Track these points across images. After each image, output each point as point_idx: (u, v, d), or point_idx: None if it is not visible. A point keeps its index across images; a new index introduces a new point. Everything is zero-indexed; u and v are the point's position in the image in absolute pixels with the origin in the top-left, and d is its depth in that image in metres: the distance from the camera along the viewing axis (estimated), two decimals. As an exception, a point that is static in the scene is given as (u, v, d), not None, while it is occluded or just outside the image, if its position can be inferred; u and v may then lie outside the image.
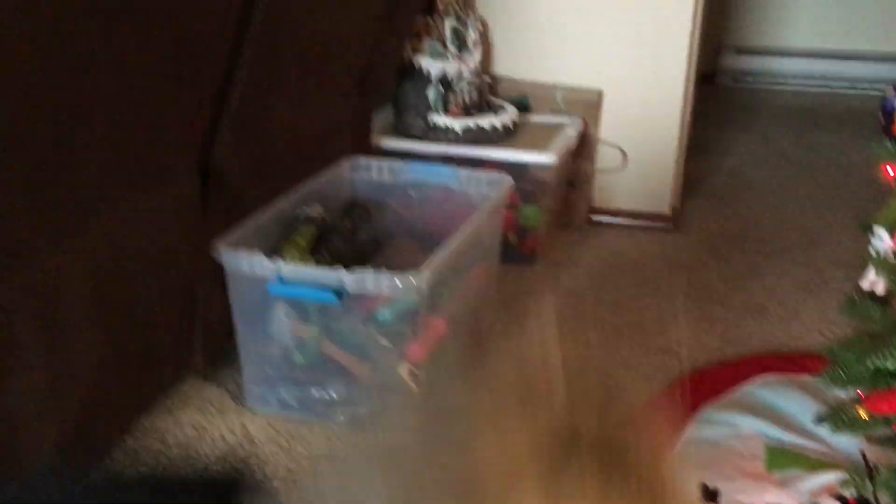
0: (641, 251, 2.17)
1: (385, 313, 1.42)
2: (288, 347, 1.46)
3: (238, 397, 1.50)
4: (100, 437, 1.19)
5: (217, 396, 1.51)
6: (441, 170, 1.78)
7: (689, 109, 2.24)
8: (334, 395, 1.45)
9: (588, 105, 2.22)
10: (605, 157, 2.27)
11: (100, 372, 1.12)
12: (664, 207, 2.30)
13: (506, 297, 1.91)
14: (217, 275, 1.38)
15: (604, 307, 1.89)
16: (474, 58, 2.10)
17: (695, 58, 2.20)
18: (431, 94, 2.03)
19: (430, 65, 2.03)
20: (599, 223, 2.31)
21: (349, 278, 1.33)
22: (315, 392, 1.46)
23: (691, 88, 2.23)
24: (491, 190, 1.71)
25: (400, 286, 1.32)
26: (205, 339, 1.40)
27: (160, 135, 1.14)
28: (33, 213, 0.94)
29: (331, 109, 1.68)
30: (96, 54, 0.96)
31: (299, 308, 1.42)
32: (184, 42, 1.10)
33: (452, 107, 2.05)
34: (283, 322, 1.44)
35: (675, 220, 2.30)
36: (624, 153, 2.26)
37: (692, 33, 2.16)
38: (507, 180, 1.72)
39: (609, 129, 2.24)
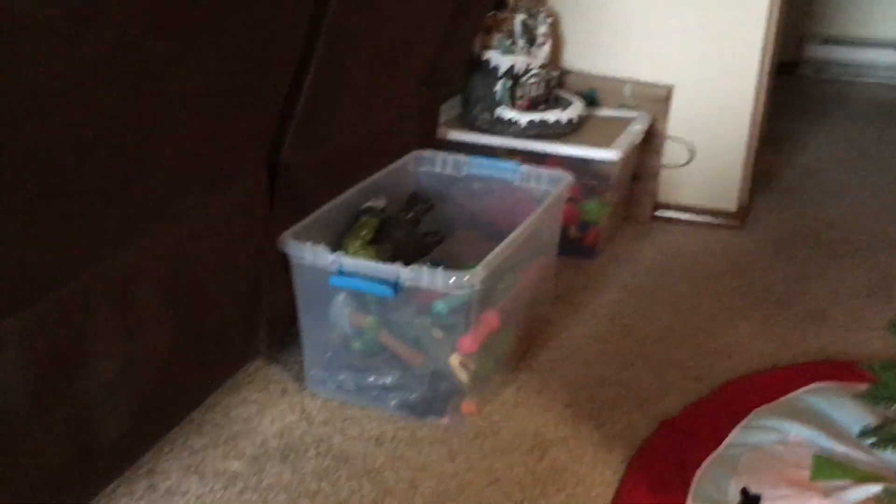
0: (704, 248, 2.17)
1: (440, 306, 1.47)
2: (347, 335, 1.53)
3: (300, 379, 1.58)
4: (168, 413, 1.29)
5: (280, 377, 1.59)
6: (502, 165, 1.82)
7: (761, 103, 2.21)
8: (389, 382, 1.52)
9: (657, 100, 2.22)
10: (672, 152, 2.27)
11: (170, 354, 1.21)
12: (731, 204, 2.28)
13: (564, 290, 1.94)
14: (282, 265, 1.45)
15: (660, 304, 1.90)
16: (543, 52, 2.12)
17: (771, 50, 2.16)
18: (498, 87, 2.06)
19: (499, 59, 2.05)
20: (664, 218, 2.31)
21: (405, 273, 1.39)
22: (371, 378, 1.52)
23: (765, 81, 2.20)
24: (551, 186, 1.74)
25: (453, 283, 1.37)
26: (269, 325, 1.48)
27: (231, 135, 1.21)
28: (113, 209, 1.02)
29: (397, 105, 1.73)
30: (172, 61, 1.02)
31: (359, 298, 1.49)
32: (255, 47, 1.17)
33: (519, 101, 2.08)
34: (343, 311, 1.51)
35: (741, 218, 2.28)
36: (692, 148, 2.25)
37: (768, 25, 2.12)
38: (566, 178, 1.74)
39: (677, 123, 2.24)
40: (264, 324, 1.47)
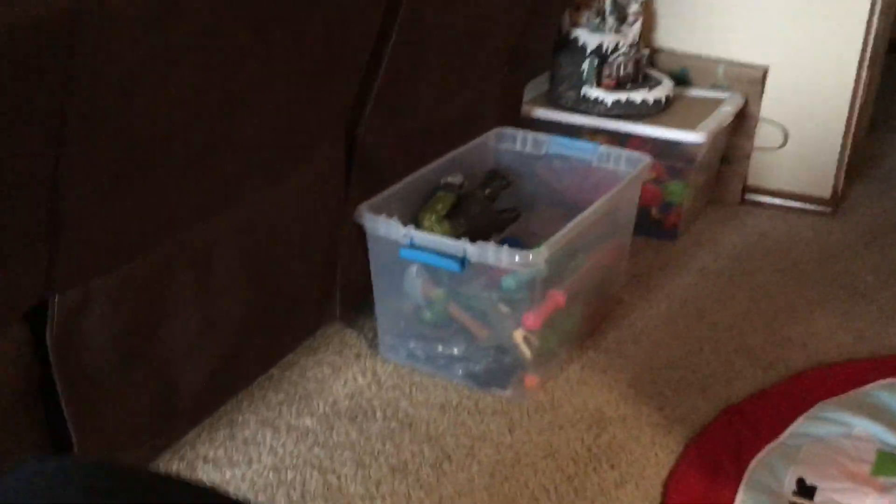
0: (792, 235, 2.13)
1: (508, 282, 1.51)
2: (419, 305, 1.60)
3: (373, 345, 1.66)
4: (245, 371, 1.39)
5: (355, 342, 1.68)
6: (581, 144, 1.83)
7: (863, 85, 2.14)
8: (456, 352, 1.58)
9: (751, 81, 2.17)
10: (765, 134, 2.22)
11: (247, 317, 1.31)
12: (824, 190, 2.22)
13: (640, 271, 1.95)
14: (358, 236, 1.53)
15: (738, 290, 1.89)
16: (633, 31, 2.11)
17: (875, 30, 2.08)
18: (585, 66, 2.07)
19: (587, 37, 2.06)
20: (753, 202, 2.27)
21: (471, 249, 1.44)
22: (439, 347, 1.59)
23: (867, 63, 2.11)
24: (629, 168, 1.75)
25: (518, 261, 1.41)
26: (344, 292, 1.56)
27: (309, 113, 1.28)
28: (195, 183, 1.11)
29: (478, 84, 1.77)
30: (254, 46, 1.10)
31: (431, 270, 1.55)
32: (333, 29, 1.23)
33: (606, 79, 2.08)
34: (415, 282, 1.58)
35: (834, 204, 2.22)
36: (786, 131, 2.20)
37: (873, 3, 2.04)
38: (644, 159, 1.74)
39: (772, 105, 2.18)
40: (339, 291, 1.55)
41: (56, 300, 0.97)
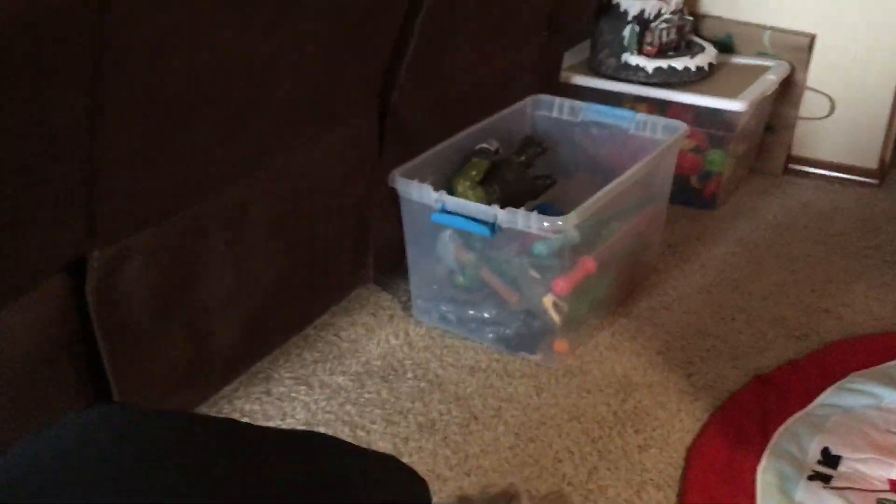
0: (835, 206, 2.10)
1: (540, 248, 1.53)
2: (452, 269, 1.63)
3: (407, 308, 1.70)
4: (279, 329, 1.43)
5: (389, 304, 1.72)
6: (618, 112, 1.83)
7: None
8: (487, 316, 1.60)
9: (797, 48, 2.13)
10: (811, 103, 2.18)
11: (280, 277, 1.35)
12: (871, 161, 2.18)
13: (676, 240, 1.95)
14: (392, 201, 1.55)
15: (776, 260, 1.87)
16: (676, -4, 2.08)
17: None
18: (627, 32, 2.05)
19: (629, 3, 2.04)
20: (797, 172, 2.24)
21: (502, 215, 1.45)
22: (471, 311, 1.62)
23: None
24: (666, 136, 1.74)
25: (548, 226, 1.43)
26: (377, 256, 1.59)
27: (341, 78, 1.31)
28: (227, 144, 1.15)
29: (514, 51, 1.77)
30: (286, 9, 1.13)
31: (464, 235, 1.57)
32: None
33: (647, 46, 2.06)
34: (448, 246, 1.60)
35: (880, 176, 2.18)
36: (832, 101, 2.16)
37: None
38: (681, 127, 1.73)
39: (819, 74, 2.15)
40: (373, 254, 1.58)
41: (95, 255, 1.02)
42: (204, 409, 1.41)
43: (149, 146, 1.01)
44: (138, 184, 1.03)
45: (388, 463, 0.86)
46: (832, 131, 2.18)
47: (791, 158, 2.24)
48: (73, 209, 0.96)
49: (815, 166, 2.22)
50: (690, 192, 2.07)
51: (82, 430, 0.73)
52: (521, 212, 1.45)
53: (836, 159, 2.20)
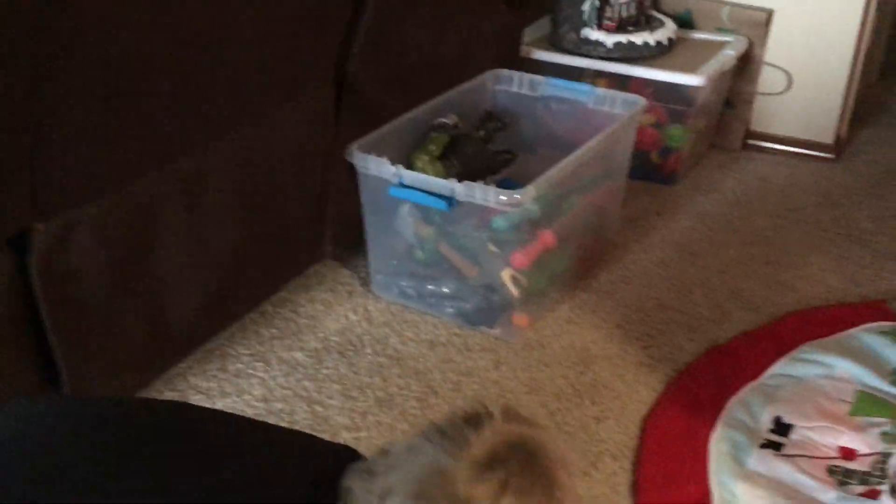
0: (792, 181, 2.12)
1: (499, 222, 1.53)
2: (411, 244, 1.62)
3: (366, 283, 1.69)
4: (237, 302, 1.42)
5: (348, 280, 1.71)
6: (578, 86, 1.83)
7: (868, 31, 2.11)
8: (446, 291, 1.60)
9: (755, 24, 2.15)
10: (768, 79, 2.20)
11: (237, 250, 1.33)
12: (828, 136, 2.20)
13: (636, 214, 1.96)
14: (350, 176, 1.54)
15: (734, 234, 1.89)
16: (636, -29, 2.08)
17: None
18: (587, 7, 2.05)
19: (589, -22, 2.04)
20: (755, 148, 2.26)
21: (459, 188, 1.45)
22: (430, 286, 1.61)
23: (873, 7, 2.08)
24: (624, 110, 1.75)
25: (504, 200, 1.43)
26: (335, 230, 1.58)
27: (296, 50, 1.29)
28: (183, 115, 1.13)
29: (473, 24, 1.76)
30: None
31: (422, 210, 1.57)
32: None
33: (607, 21, 2.06)
34: (407, 221, 1.60)
35: (837, 151, 2.20)
36: (790, 76, 2.18)
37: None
38: (639, 102, 1.74)
39: (776, 49, 2.16)
40: (330, 228, 1.57)
41: (39, 228, 1.00)
42: (159, 386, 1.40)
43: (95, 115, 1.00)
44: (85, 152, 1.01)
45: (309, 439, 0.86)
46: (790, 107, 2.20)
47: (749, 134, 2.26)
48: (14, 179, 0.94)
49: (773, 141, 2.24)
50: (650, 167, 2.08)
51: (23, 422, 0.73)
52: (479, 185, 1.45)
53: (793, 134, 2.22)
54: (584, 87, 1.83)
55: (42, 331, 1.06)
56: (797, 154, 2.22)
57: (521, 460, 0.69)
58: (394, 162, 1.50)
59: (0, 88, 0.87)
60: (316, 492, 0.72)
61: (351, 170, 1.54)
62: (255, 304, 1.50)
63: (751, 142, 2.26)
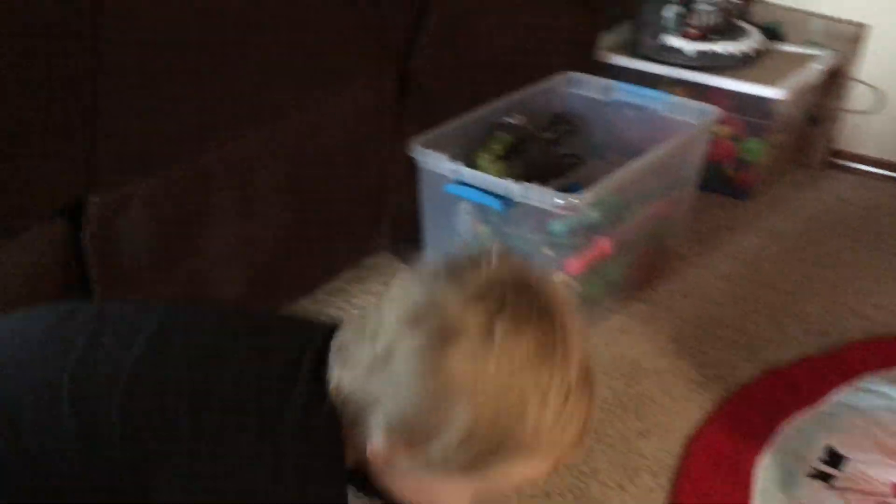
0: (874, 203, 2.02)
1: (557, 226, 1.51)
2: (468, 241, 1.62)
3: (421, 278, 1.69)
4: (284, 289, 1.44)
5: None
6: (651, 93, 1.79)
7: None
8: (499, 292, 1.59)
9: (848, 39, 2.06)
10: (860, 96, 2.10)
11: (288, 236, 1.35)
12: (919, 159, 2.10)
13: (706, 227, 1.90)
14: (410, 170, 1.55)
15: (805, 254, 1.82)
16: (723, -21, 2.02)
17: None
18: (669, 13, 2.00)
19: (673, -17, 1.99)
20: (839, 167, 2.17)
21: (515, 188, 1.44)
22: (484, 286, 1.60)
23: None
24: (696, 119, 1.70)
25: (561, 203, 1.41)
26: (393, 224, 1.59)
27: (360, 40, 1.30)
28: (229, 92, 1.15)
29: (545, 25, 1.74)
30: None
31: (481, 209, 1.56)
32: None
33: (690, 29, 2.01)
34: (465, 219, 1.59)
35: (927, 176, 2.10)
36: (881, 95, 2.08)
37: None
38: (712, 112, 1.69)
39: (869, 66, 2.07)
40: (388, 221, 1.58)
41: (94, 199, 1.04)
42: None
43: (150, 89, 1.03)
44: (139, 127, 1.04)
45: None
46: (880, 126, 2.11)
47: (834, 152, 2.17)
48: (72, 149, 0.97)
49: (859, 161, 2.15)
50: (724, 181, 2.02)
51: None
52: (536, 187, 1.43)
53: (881, 156, 2.13)
54: (658, 94, 1.79)
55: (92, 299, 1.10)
56: (883, 176, 2.12)
57: (516, 291, 0.70)
58: (455, 159, 1.50)
59: (59, 62, 0.90)
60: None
61: (412, 164, 1.55)
62: (307, 291, 1.52)
63: (835, 160, 2.17)
